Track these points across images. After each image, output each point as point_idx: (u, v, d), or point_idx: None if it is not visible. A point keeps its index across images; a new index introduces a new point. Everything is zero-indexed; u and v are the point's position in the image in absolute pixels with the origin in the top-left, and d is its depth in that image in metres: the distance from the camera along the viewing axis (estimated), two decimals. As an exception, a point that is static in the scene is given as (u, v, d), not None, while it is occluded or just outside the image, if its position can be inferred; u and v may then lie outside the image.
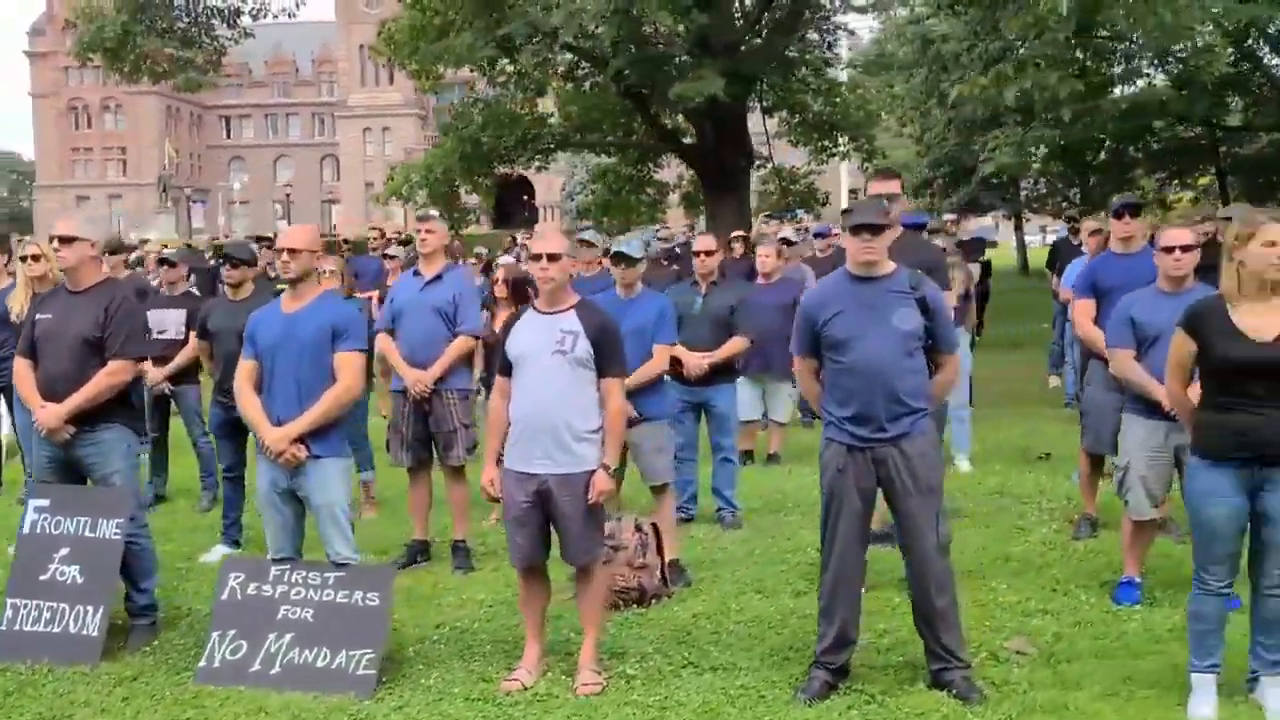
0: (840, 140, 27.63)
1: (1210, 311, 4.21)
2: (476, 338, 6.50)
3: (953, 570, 4.59)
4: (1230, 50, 27.33)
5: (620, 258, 6.23)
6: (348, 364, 4.90)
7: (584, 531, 4.69)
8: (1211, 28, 19.34)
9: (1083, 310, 6.35)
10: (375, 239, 14.86)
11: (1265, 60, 28.24)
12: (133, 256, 14.79)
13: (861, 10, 25.86)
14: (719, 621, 5.46)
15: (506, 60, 20.14)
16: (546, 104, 24.35)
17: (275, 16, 22.41)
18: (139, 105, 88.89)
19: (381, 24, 23.79)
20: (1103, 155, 33.45)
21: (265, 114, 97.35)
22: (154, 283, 11.20)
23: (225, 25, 21.27)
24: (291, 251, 4.92)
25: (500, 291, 7.39)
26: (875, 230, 4.43)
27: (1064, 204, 42.32)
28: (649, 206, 29.51)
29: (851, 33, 24.33)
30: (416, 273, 6.55)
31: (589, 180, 32.92)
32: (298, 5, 22.28)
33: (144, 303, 7.32)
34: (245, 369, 5.04)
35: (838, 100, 26.78)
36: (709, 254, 7.24)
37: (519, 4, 18.92)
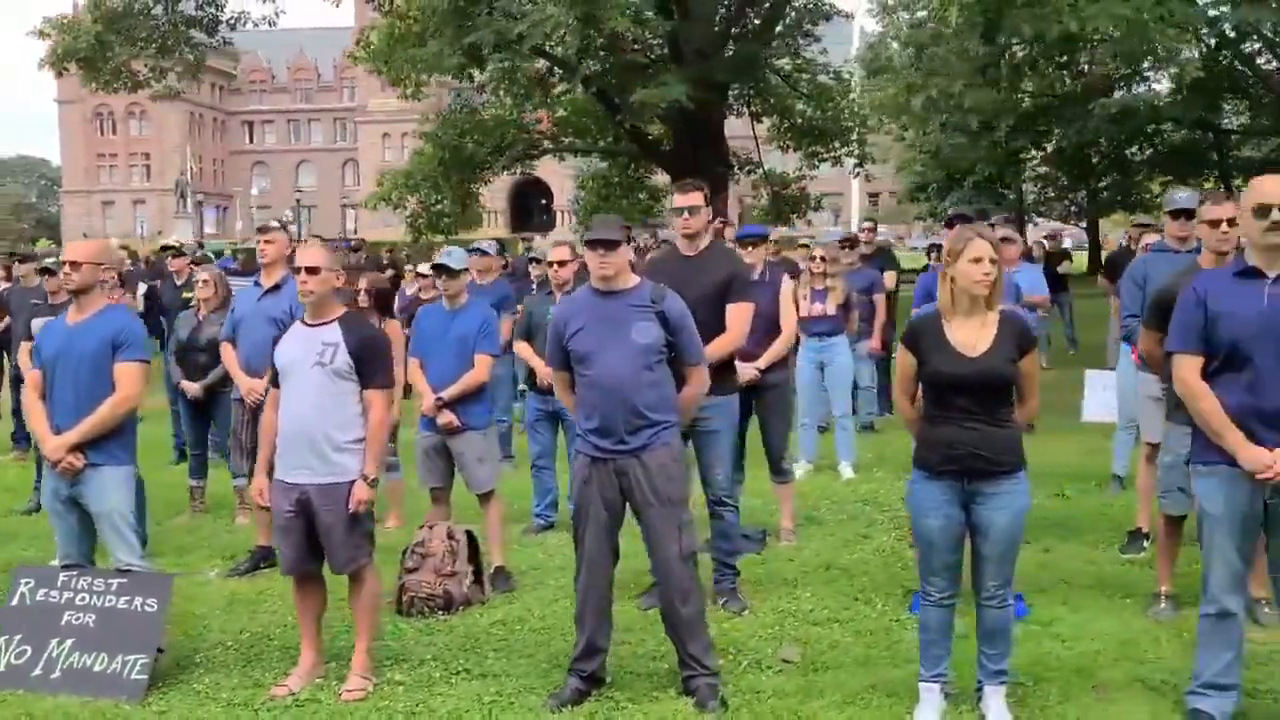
0: (833, 145, 27.58)
1: (927, 326, 4.26)
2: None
3: (697, 579, 4.66)
4: (1224, 54, 27.25)
5: (441, 269, 6.33)
6: (126, 374, 5.02)
7: (346, 540, 4.78)
8: (1173, 33, 19.23)
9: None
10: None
11: (1261, 64, 28.10)
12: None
13: (827, 17, 25.60)
14: (513, 629, 5.54)
15: (475, 69, 20.21)
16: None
17: (255, 25, 22.71)
18: (163, 111, 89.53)
19: (360, 31, 24.10)
20: (1098, 160, 33.33)
21: (288, 120, 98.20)
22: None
23: (204, 34, 21.58)
24: (73, 265, 5.06)
25: (363, 301, 7.50)
26: (610, 245, 4.51)
27: (1072, 208, 42.25)
28: (642, 211, 29.59)
29: (818, 39, 24.14)
30: (257, 283, 6.69)
31: (577, 185, 33.10)
32: (277, 15, 22.60)
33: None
34: (32, 379, 5.18)
35: (829, 105, 26.75)
36: (562, 264, 7.32)
37: (485, 14, 19.16)
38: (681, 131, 21.88)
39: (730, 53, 21.57)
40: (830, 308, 8.64)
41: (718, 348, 5.47)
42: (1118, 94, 29.60)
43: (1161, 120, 28.99)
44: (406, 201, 24.97)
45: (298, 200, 66.80)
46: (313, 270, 4.75)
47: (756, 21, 22.94)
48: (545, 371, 7.02)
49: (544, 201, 79.75)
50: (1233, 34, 24.05)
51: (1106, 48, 20.68)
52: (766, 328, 6.42)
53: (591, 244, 4.52)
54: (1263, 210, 3.94)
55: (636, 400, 4.48)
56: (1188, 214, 5.99)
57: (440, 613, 5.76)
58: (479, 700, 4.68)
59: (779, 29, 23.44)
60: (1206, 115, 29.60)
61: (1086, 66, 30.13)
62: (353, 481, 4.73)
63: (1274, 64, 27.61)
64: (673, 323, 4.56)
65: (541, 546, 7.04)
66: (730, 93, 23.58)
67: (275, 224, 6.78)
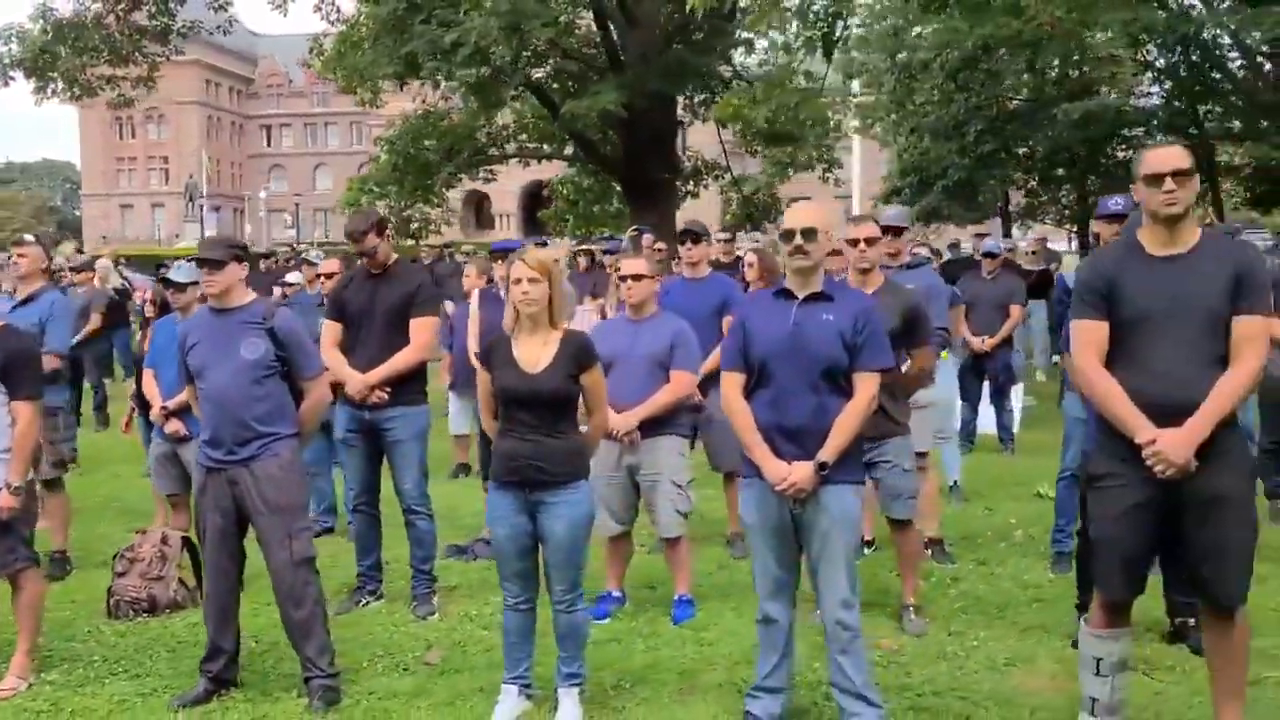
0: (805, 151, 27.53)
1: (498, 343, 4.45)
2: (61, 356, 6.82)
3: (312, 583, 4.84)
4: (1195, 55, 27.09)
5: (169, 284, 6.56)
6: None
7: (-5, 545, 5.00)
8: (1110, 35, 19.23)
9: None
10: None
11: (1232, 68, 27.95)
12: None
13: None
14: (198, 631, 5.72)
15: (411, 77, 20.45)
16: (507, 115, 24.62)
17: (211, 33, 23.01)
18: (181, 115, 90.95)
19: (313, 39, 24.44)
20: (1073, 164, 33.15)
21: (305, 123, 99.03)
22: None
23: (157, 44, 21.89)
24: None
25: (149, 311, 7.75)
26: (214, 265, 4.72)
27: (1066, 212, 42.01)
28: (613, 218, 29.67)
29: (753, 47, 24.15)
30: (11, 295, 6.93)
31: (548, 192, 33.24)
32: (230, 23, 22.89)
33: None
34: None
35: (789, 112, 26.74)
36: (329, 276, 7.51)
37: (420, 22, 19.43)
38: (626, 139, 21.99)
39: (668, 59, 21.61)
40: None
41: (399, 361, 5.72)
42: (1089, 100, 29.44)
43: (1129, 125, 28.84)
44: (375, 206, 25.23)
45: (296, 205, 67.44)
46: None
47: (705, 28, 23.00)
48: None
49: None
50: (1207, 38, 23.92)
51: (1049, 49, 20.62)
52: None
53: (199, 262, 4.73)
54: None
55: (244, 413, 4.69)
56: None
57: (144, 615, 5.97)
58: (112, 699, 4.88)
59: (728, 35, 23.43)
60: (1175, 120, 29.47)
61: (1060, 72, 30.02)
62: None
63: (1244, 67, 27.51)
64: (281, 338, 4.76)
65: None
66: (680, 100, 23.65)
67: (29, 237, 6.98)
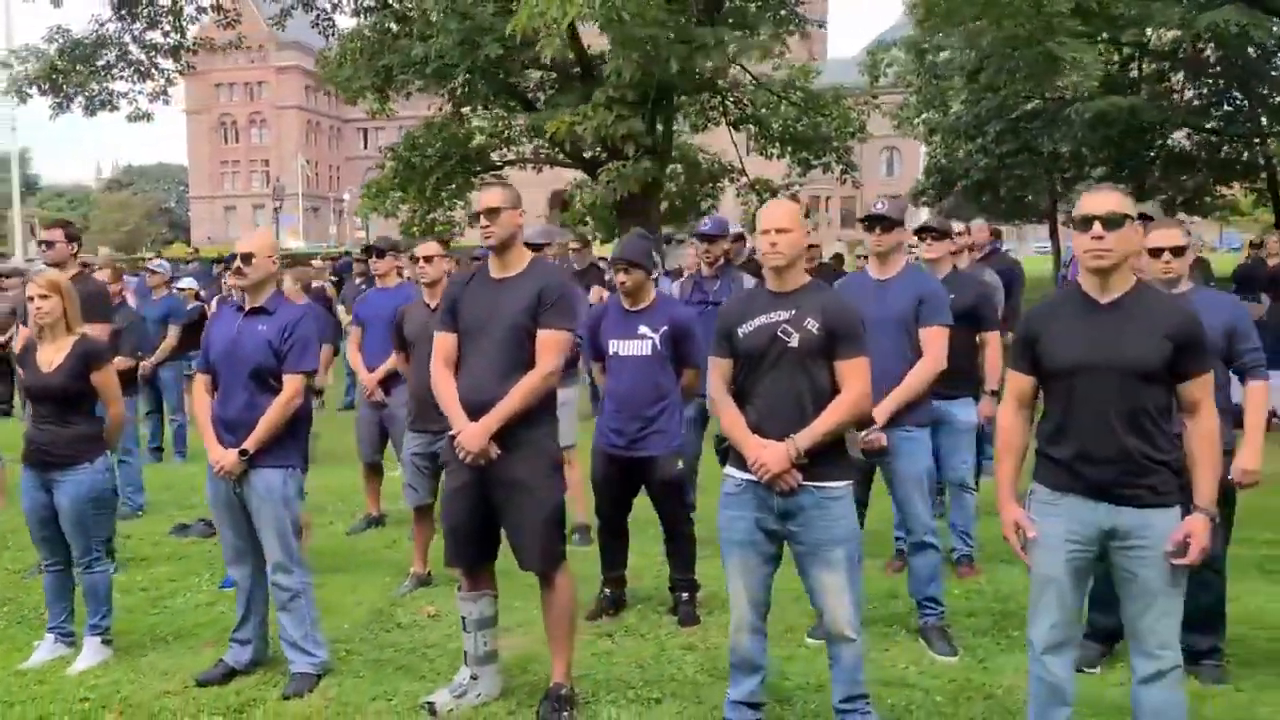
0: (824, 152, 27.91)
1: (29, 346, 5.34)
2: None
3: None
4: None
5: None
6: None
7: None
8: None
9: None
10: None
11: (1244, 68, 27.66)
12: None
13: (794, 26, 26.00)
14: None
15: (388, 89, 21.55)
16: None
17: (225, 51, 24.50)
18: (282, 119, 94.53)
19: (320, 53, 25.71)
20: (1092, 163, 32.91)
21: (399, 126, 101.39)
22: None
23: (170, 59, 23.39)
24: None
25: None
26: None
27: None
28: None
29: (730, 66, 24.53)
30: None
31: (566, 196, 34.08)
32: (240, 39, 24.32)
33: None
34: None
35: (807, 115, 27.20)
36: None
37: (394, 39, 20.60)
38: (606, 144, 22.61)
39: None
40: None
41: None
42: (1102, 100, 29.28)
43: (1142, 124, 28.65)
44: (399, 210, 26.41)
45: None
46: None
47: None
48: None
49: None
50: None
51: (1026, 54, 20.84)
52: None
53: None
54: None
55: None
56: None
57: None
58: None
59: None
60: (1189, 120, 29.29)
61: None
62: None
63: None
64: None
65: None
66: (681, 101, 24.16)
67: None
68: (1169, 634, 3.62)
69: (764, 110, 27.84)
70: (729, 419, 4.12)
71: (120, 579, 6.56)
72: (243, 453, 4.82)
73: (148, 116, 23.87)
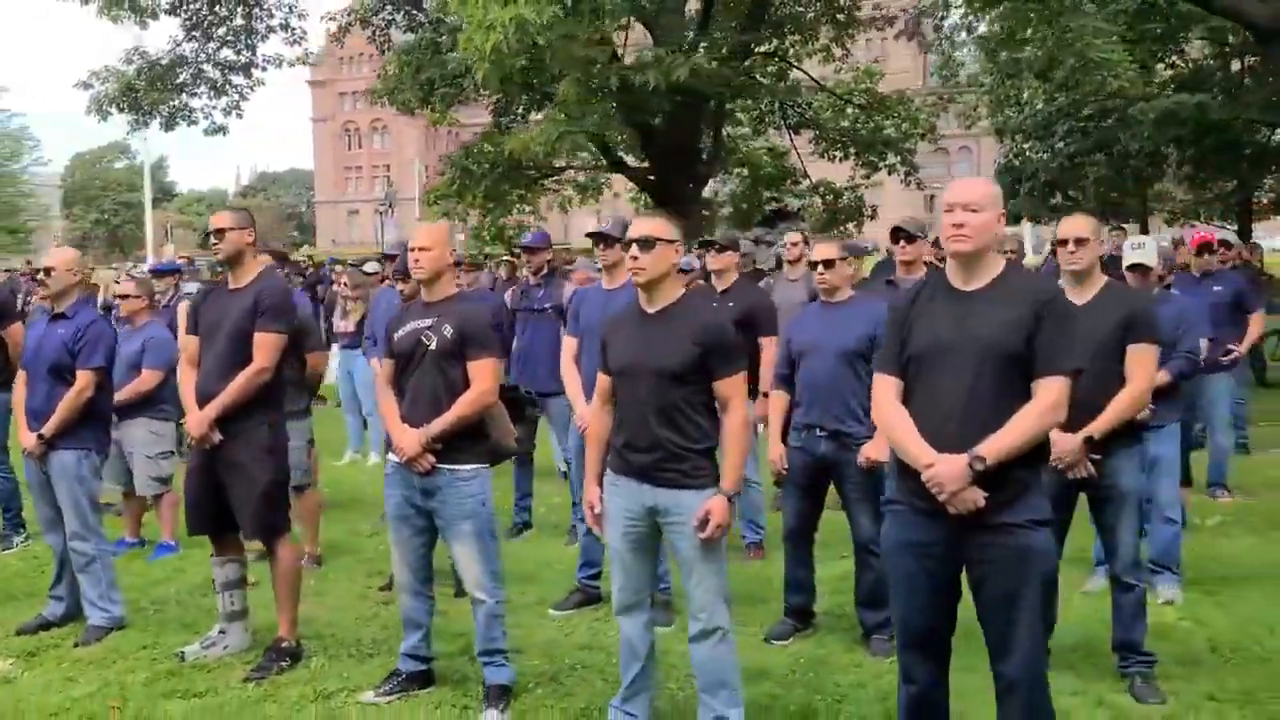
0: (888, 155, 28.10)
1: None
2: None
3: None
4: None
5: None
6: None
7: None
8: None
9: None
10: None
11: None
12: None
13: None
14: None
15: (432, 99, 22.57)
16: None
17: (293, 65, 25.92)
18: (402, 126, 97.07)
19: (383, 67, 26.92)
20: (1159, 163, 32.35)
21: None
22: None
23: (243, 76, 24.83)
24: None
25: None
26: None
27: (1218, 210, 40.43)
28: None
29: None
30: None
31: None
32: (307, 55, 25.70)
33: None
34: None
35: (871, 118, 27.49)
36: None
37: (434, 53, 21.63)
38: (651, 151, 23.21)
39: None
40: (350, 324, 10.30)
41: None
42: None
43: (1208, 124, 28.11)
44: (468, 215, 27.48)
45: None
46: None
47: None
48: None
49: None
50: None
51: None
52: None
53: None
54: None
55: None
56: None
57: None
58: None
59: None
60: (1265, 115, 28.61)
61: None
62: None
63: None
64: None
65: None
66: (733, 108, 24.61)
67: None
68: (706, 598, 4.17)
69: (827, 114, 28.21)
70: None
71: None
72: (40, 437, 5.68)
73: (223, 130, 25.31)
